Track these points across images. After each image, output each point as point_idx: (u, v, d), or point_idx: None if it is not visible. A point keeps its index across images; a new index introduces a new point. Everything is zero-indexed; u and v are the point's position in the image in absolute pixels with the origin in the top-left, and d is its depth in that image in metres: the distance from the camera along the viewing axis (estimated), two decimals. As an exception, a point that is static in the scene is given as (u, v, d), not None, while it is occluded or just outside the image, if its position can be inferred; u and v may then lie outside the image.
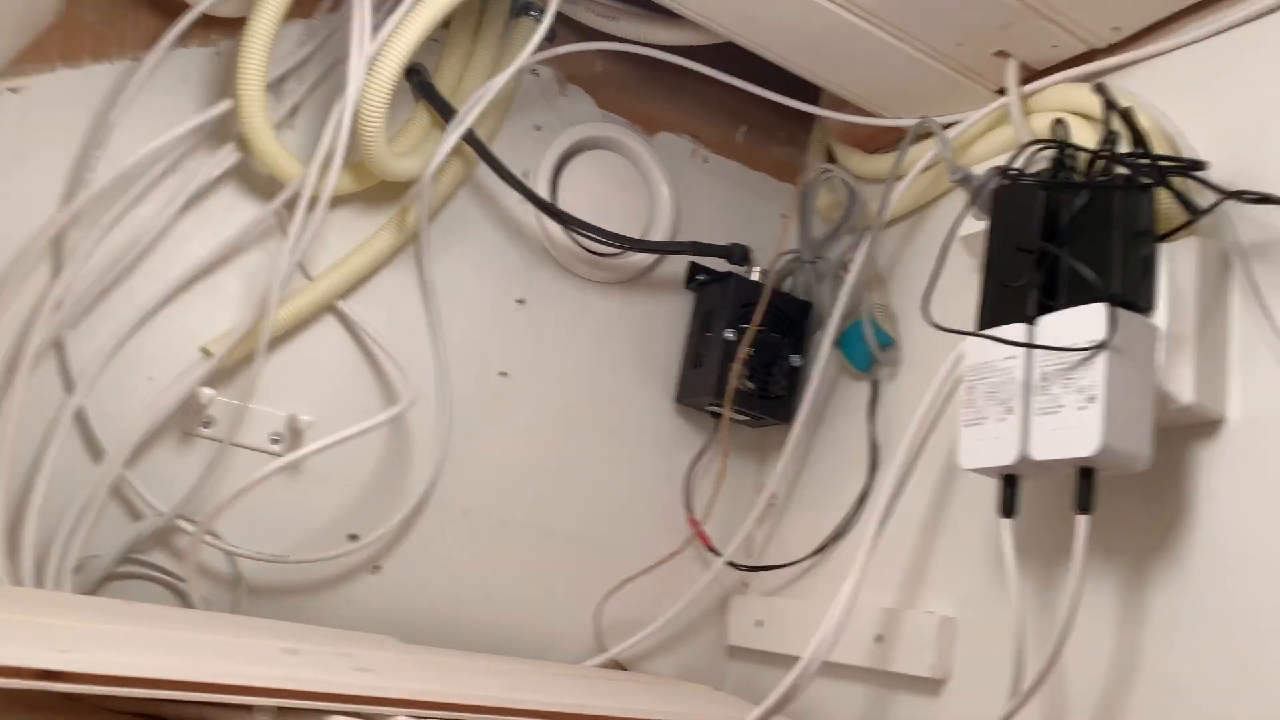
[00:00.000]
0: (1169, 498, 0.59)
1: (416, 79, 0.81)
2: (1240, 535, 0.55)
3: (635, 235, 0.89)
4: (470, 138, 0.78)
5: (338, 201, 0.77)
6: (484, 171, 0.83)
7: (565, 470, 0.85)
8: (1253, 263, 0.59)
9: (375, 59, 0.73)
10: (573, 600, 0.83)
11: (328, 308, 0.79)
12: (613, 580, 0.83)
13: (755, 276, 0.92)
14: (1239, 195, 0.54)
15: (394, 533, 0.78)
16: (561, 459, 0.85)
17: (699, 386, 0.88)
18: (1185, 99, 0.66)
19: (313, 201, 0.74)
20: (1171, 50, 0.68)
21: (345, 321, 0.79)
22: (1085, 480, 0.56)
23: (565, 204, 0.87)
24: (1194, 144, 0.64)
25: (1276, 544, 0.54)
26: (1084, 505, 0.56)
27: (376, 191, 0.80)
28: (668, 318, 0.93)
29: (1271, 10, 0.62)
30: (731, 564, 0.86)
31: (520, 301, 0.85)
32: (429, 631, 0.78)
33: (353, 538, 0.77)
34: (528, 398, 0.84)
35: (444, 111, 0.79)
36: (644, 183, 0.92)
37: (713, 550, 0.86)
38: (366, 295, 0.80)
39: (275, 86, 0.78)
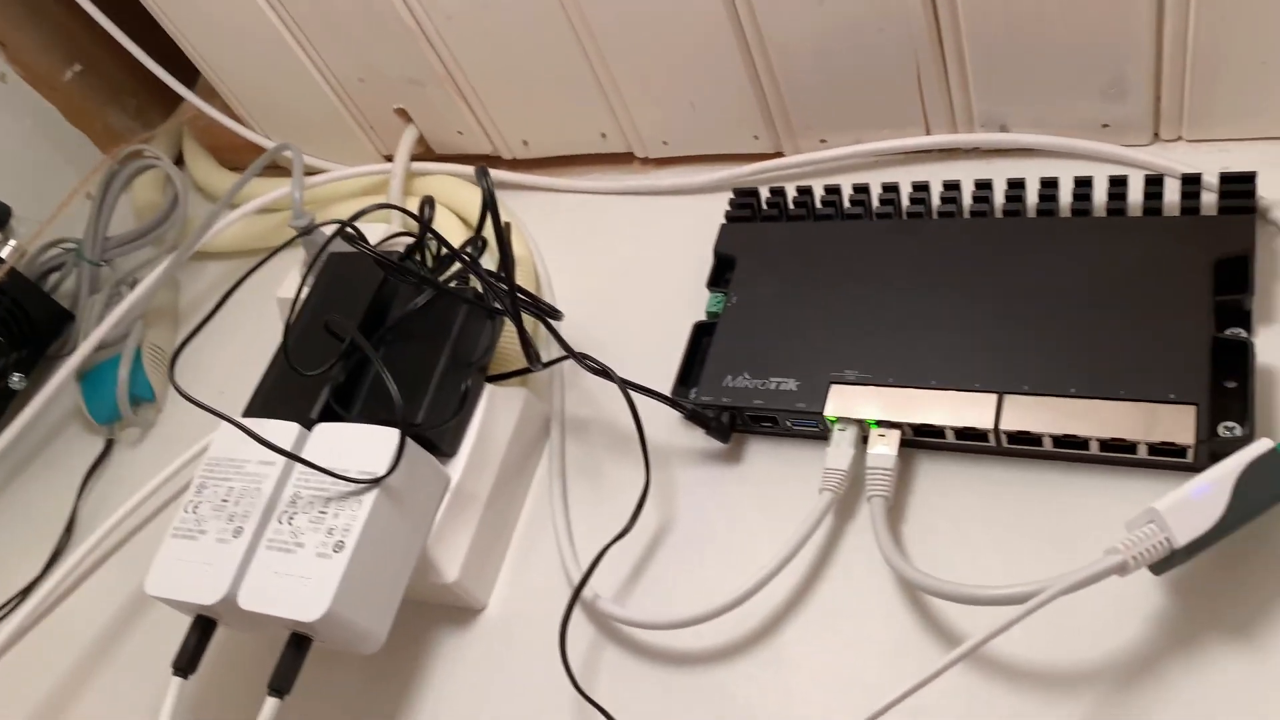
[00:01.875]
0: (398, 683, 0.47)
1: None
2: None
3: None
4: None
5: None
6: None
7: None
8: (569, 439, 0.51)
9: None
10: None
11: None
12: None
13: (4, 253, 0.66)
14: (582, 358, 0.46)
15: None
16: None
17: None
18: (563, 243, 0.60)
19: None
20: (568, 191, 0.62)
21: None
22: (294, 652, 0.41)
23: None
24: (555, 291, 0.58)
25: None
26: (279, 684, 0.41)
27: None
28: None
29: (652, 192, 0.59)
30: None
31: None
32: None
33: None
34: None
35: None
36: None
37: None
38: None
39: None
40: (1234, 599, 0.37)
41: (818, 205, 0.51)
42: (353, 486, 0.42)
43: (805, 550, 0.42)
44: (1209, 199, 0.44)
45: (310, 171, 0.66)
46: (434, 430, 0.46)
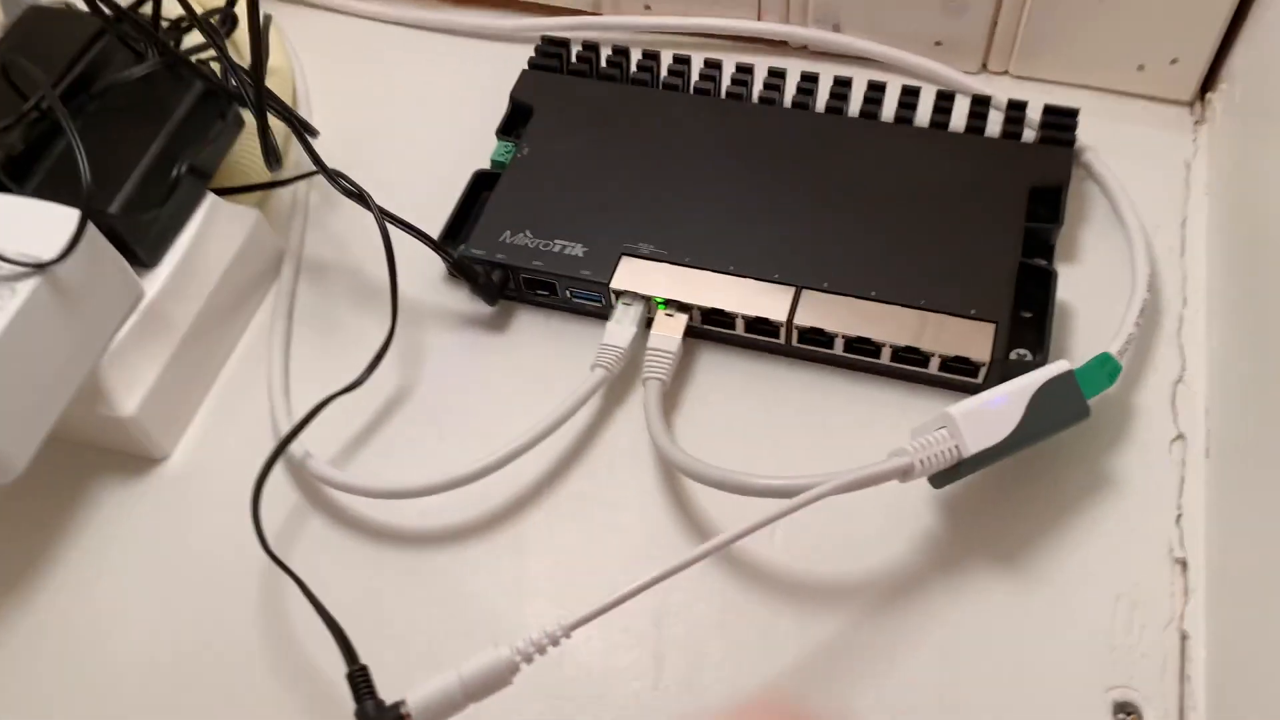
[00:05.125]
0: (41, 535, 0.37)
1: None
2: (135, 603, 0.36)
3: None
4: None
5: None
6: None
7: None
8: (305, 280, 0.43)
9: None
10: None
11: None
12: None
13: None
14: (335, 176, 0.39)
15: None
16: None
17: None
18: (334, 69, 0.51)
19: None
20: (348, 13, 0.53)
21: None
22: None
23: None
24: (316, 115, 0.49)
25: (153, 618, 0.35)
26: None
27: None
28: None
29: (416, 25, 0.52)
30: None
31: None
32: None
33: None
34: None
35: None
36: None
37: None
38: None
39: None
40: (1002, 527, 0.35)
41: (633, 69, 0.46)
42: (6, 269, 0.32)
43: (565, 430, 0.37)
44: (1029, 133, 0.43)
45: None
46: (128, 224, 0.36)
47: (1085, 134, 0.43)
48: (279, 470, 0.38)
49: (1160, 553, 0.34)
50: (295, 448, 0.37)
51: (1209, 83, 0.45)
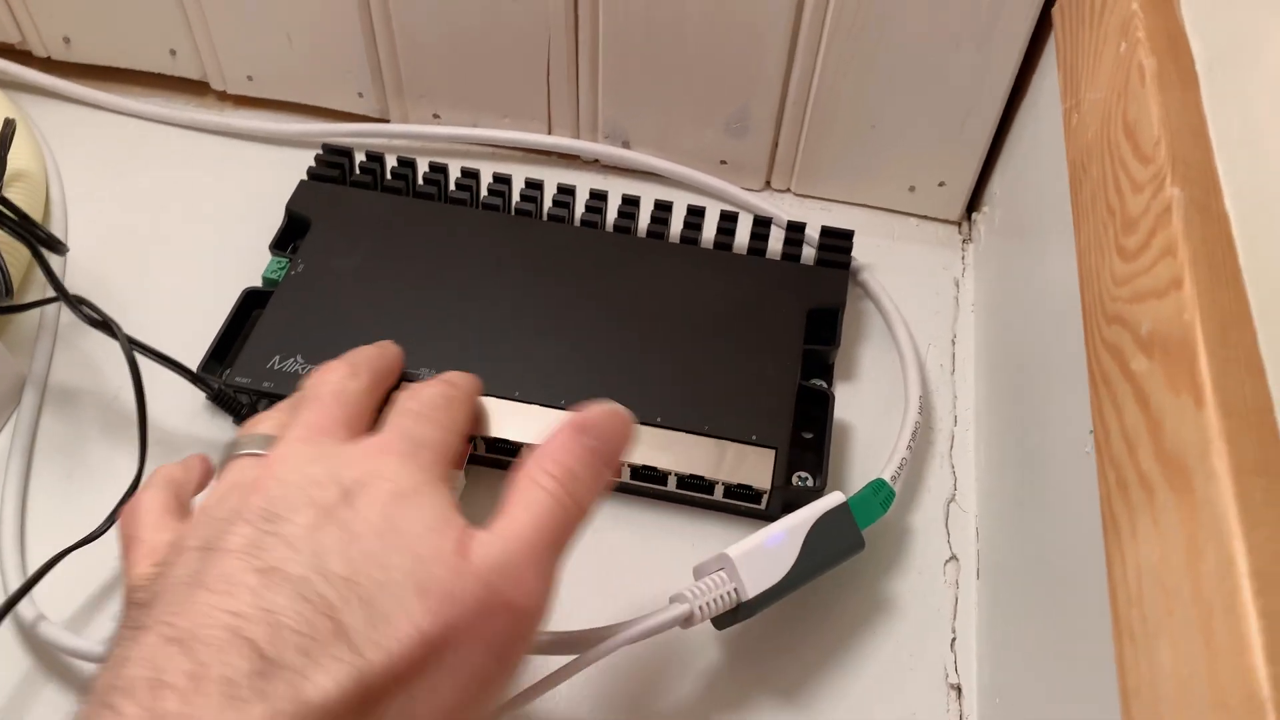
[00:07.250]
0: None
1: None
2: None
3: None
4: None
5: None
6: None
7: None
8: (50, 412, 0.40)
9: None
10: None
11: None
12: None
13: None
14: (78, 303, 0.35)
15: None
16: None
17: None
18: (97, 172, 0.47)
19: None
20: (115, 111, 0.50)
21: None
22: None
23: None
24: (71, 225, 0.45)
25: None
26: None
27: None
28: None
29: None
30: None
31: None
32: None
33: None
34: None
35: None
36: None
37: None
38: None
39: None
40: (785, 662, 0.34)
41: (419, 181, 0.45)
42: None
43: (335, 575, 0.34)
44: (808, 251, 0.44)
45: None
46: None
47: (863, 251, 0.45)
48: (7, 634, 0.34)
49: (936, 679, 0.34)
50: (25, 608, 0.33)
51: (974, 204, 0.47)
